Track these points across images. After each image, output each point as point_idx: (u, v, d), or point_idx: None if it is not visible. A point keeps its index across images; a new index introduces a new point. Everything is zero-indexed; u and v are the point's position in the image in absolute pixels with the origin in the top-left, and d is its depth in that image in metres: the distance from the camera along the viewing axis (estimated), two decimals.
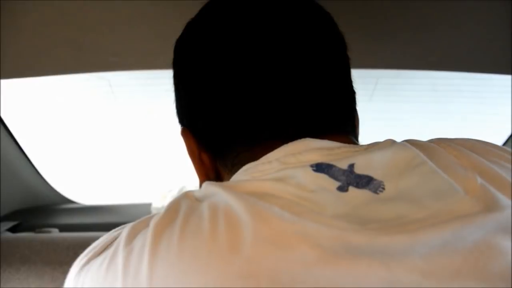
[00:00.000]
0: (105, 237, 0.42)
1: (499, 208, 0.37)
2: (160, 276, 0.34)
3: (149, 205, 1.34)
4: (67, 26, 0.81)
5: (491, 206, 0.37)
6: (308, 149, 0.43)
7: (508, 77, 1.00)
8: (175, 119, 0.56)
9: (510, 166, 0.42)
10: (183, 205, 0.39)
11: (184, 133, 0.53)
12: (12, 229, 1.23)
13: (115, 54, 0.87)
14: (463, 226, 0.35)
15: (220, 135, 0.49)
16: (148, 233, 0.37)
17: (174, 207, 0.39)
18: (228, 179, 0.48)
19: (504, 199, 0.38)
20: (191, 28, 0.53)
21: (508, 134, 1.30)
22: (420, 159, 0.41)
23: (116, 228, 0.43)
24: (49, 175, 1.42)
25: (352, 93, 0.53)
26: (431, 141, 0.46)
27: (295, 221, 0.35)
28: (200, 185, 0.53)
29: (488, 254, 0.34)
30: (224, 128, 0.49)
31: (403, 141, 0.45)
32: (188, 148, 0.53)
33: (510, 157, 0.44)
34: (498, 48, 0.88)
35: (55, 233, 1.18)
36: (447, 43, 0.88)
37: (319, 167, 0.41)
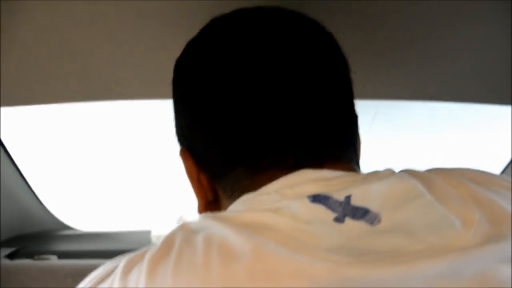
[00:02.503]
0: (103, 268, 0.42)
1: (497, 240, 0.37)
2: None
3: (149, 232, 1.33)
4: (70, 55, 0.81)
5: (489, 238, 0.37)
6: (306, 181, 0.43)
7: (504, 106, 1.01)
8: (174, 141, 0.56)
9: (510, 195, 0.42)
10: (178, 237, 0.39)
11: (182, 154, 0.53)
12: (11, 256, 1.22)
13: (120, 84, 0.88)
14: (460, 258, 0.35)
15: (220, 160, 0.49)
16: (143, 266, 0.37)
17: (169, 240, 0.39)
18: (227, 204, 0.48)
19: (502, 230, 0.38)
20: (191, 48, 0.53)
21: (506, 162, 1.30)
22: (417, 191, 0.41)
23: (114, 259, 0.43)
24: (48, 201, 1.41)
25: (354, 117, 0.52)
26: (430, 171, 0.46)
27: (290, 257, 0.35)
28: (199, 208, 0.53)
29: (487, 286, 0.34)
30: (225, 153, 0.48)
31: (402, 170, 0.45)
32: (186, 169, 0.53)
33: (510, 185, 0.44)
34: (497, 79, 0.89)
35: (53, 260, 1.17)
36: (446, 74, 0.89)
37: (316, 198, 0.41)
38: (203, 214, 0.43)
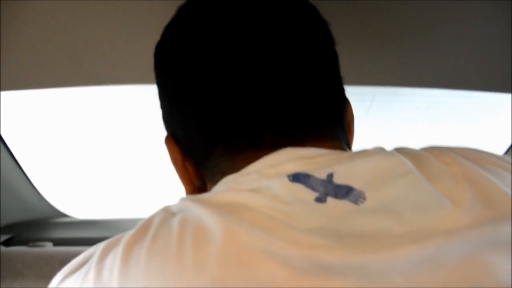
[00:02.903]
0: (83, 254, 0.42)
1: (489, 221, 0.35)
2: None
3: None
4: (66, 39, 0.81)
5: (481, 219, 0.35)
6: (288, 159, 0.42)
7: (501, 95, 1.01)
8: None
9: (506, 173, 0.41)
10: (156, 219, 0.39)
11: (167, 140, 0.52)
12: (5, 243, 1.21)
13: (115, 68, 0.87)
14: (448, 241, 0.34)
15: (199, 144, 0.48)
16: (118, 250, 0.37)
17: (146, 223, 0.39)
18: (210, 188, 0.47)
19: (495, 211, 0.36)
20: (169, 31, 0.52)
21: (504, 151, 1.30)
22: (405, 167, 0.39)
23: (94, 246, 0.42)
24: (44, 189, 1.41)
25: (341, 93, 0.50)
26: (423, 148, 0.44)
27: (263, 238, 0.34)
28: (186, 194, 0.53)
29: (477, 270, 0.32)
30: (202, 137, 0.48)
31: (392, 149, 0.44)
32: (171, 156, 0.52)
33: (506, 164, 0.42)
34: (497, 66, 0.88)
35: (48, 247, 1.16)
36: (444, 61, 0.88)
37: (296, 178, 0.39)
38: (183, 197, 0.42)
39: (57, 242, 1.21)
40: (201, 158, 0.49)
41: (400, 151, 0.43)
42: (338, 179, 0.39)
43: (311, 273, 0.32)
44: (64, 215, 1.48)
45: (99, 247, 0.39)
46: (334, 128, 0.48)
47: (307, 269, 0.32)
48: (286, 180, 0.39)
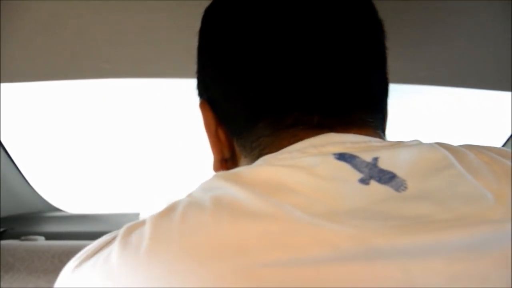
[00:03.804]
0: (98, 241, 0.40)
1: None
2: (158, 275, 0.33)
3: (137, 215, 1.33)
4: (60, 32, 0.80)
5: None
6: (332, 142, 0.42)
7: (495, 92, 1.01)
8: (194, 94, 0.54)
9: None
10: (181, 203, 0.37)
11: (202, 106, 0.51)
12: None
13: (107, 62, 0.86)
14: (491, 231, 0.33)
15: (242, 114, 0.47)
16: (145, 228, 0.36)
17: (172, 205, 0.38)
18: (244, 162, 0.47)
19: None
20: None
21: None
22: (448, 161, 0.39)
23: (109, 233, 0.41)
24: (36, 183, 1.40)
25: (386, 84, 0.50)
26: (462, 145, 0.44)
27: (308, 222, 0.33)
28: (214, 164, 0.52)
29: None
30: (248, 108, 0.47)
31: (434, 142, 0.44)
32: (205, 122, 0.51)
33: None
34: (496, 65, 0.88)
35: (40, 241, 1.16)
36: (442, 59, 0.88)
37: (342, 156, 0.39)
38: (214, 175, 0.41)
39: (49, 236, 1.20)
40: (241, 129, 0.48)
41: (442, 145, 0.43)
42: (382, 165, 0.39)
43: (354, 254, 0.32)
44: (57, 210, 1.47)
45: (120, 230, 0.38)
46: (377, 118, 0.48)
47: (350, 251, 0.32)
48: (331, 157, 0.39)
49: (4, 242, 1.14)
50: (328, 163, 0.39)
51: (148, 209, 1.34)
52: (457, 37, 0.82)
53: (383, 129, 0.50)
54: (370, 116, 0.47)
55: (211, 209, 0.35)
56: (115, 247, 0.36)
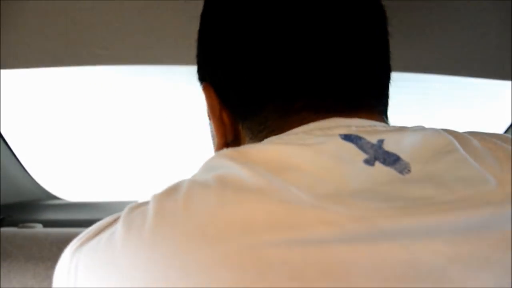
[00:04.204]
0: (100, 222, 0.40)
1: None
2: (163, 253, 0.33)
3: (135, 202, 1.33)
4: (57, 19, 0.80)
5: None
6: (338, 126, 0.42)
7: (497, 82, 1.00)
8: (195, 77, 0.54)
9: None
10: (184, 183, 0.37)
11: (206, 89, 0.51)
12: None
13: (103, 48, 0.86)
14: (493, 213, 0.34)
15: (250, 98, 0.47)
16: (149, 206, 0.36)
17: (175, 184, 0.38)
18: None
19: None
20: None
21: None
22: (452, 146, 0.40)
23: (111, 215, 0.41)
24: (34, 171, 1.40)
25: (389, 70, 0.51)
26: (466, 132, 0.45)
27: (312, 204, 0.33)
28: (217, 148, 0.51)
29: None
30: (255, 91, 0.46)
31: (437, 128, 0.44)
32: (209, 105, 0.51)
33: None
34: (496, 53, 0.87)
35: (38, 228, 1.16)
36: (439, 46, 0.88)
37: (348, 137, 0.40)
38: (217, 153, 0.41)
39: (48, 224, 1.20)
40: (249, 113, 0.48)
41: (447, 131, 0.43)
42: (387, 147, 0.39)
43: (359, 234, 0.32)
44: (55, 197, 1.47)
45: (123, 211, 0.38)
46: (381, 103, 0.49)
47: (355, 231, 0.32)
48: (338, 138, 0.40)
49: (2, 229, 1.14)
50: (334, 143, 0.39)
51: (146, 197, 1.34)
52: (457, 26, 0.82)
53: (386, 115, 0.50)
54: (375, 101, 0.47)
55: (215, 188, 0.35)
56: (118, 226, 0.36)
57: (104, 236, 0.37)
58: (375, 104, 0.47)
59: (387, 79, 0.50)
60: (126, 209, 0.38)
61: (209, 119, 0.52)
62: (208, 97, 0.51)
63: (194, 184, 0.36)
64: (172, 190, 0.37)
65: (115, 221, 0.39)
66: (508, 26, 0.79)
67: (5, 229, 1.13)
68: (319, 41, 0.45)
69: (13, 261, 1.00)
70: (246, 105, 0.48)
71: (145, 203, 0.37)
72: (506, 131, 1.28)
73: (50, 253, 1.00)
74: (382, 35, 0.49)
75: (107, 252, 0.36)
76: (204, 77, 0.52)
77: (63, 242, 1.02)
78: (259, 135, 0.46)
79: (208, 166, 0.40)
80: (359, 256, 0.32)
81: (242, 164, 0.37)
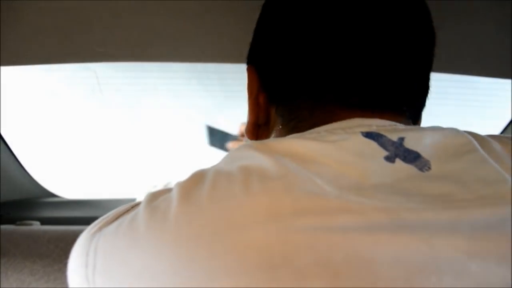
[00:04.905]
0: (117, 209, 0.41)
1: None
2: (188, 237, 0.33)
3: (133, 200, 1.32)
4: (55, 15, 0.79)
5: None
6: (359, 125, 0.43)
7: (495, 81, 1.00)
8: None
9: None
10: (210, 170, 0.38)
11: (249, 70, 0.54)
12: None
13: (102, 45, 0.86)
14: (510, 212, 0.34)
15: (288, 85, 0.49)
16: (173, 193, 0.36)
17: (199, 173, 0.38)
18: (278, 131, 0.49)
19: None
20: None
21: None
22: (471, 146, 0.41)
23: (126, 204, 0.42)
24: (32, 168, 1.40)
25: (426, 87, 0.52)
26: (485, 135, 0.46)
27: (337, 195, 0.34)
28: (248, 126, 0.54)
29: None
30: (292, 79, 0.49)
31: (457, 128, 0.45)
32: (248, 85, 0.54)
33: None
34: (496, 51, 0.87)
35: (36, 226, 1.16)
36: (439, 43, 0.87)
37: (369, 134, 0.41)
38: (242, 145, 0.42)
39: (45, 222, 1.20)
40: (284, 99, 0.50)
41: (467, 132, 0.44)
42: (407, 145, 0.40)
43: (382, 226, 0.33)
44: (53, 195, 1.47)
45: (144, 198, 0.39)
46: (412, 109, 0.50)
47: (378, 222, 0.33)
48: (359, 134, 0.41)
49: (0, 227, 1.14)
50: (356, 140, 0.40)
51: (144, 194, 1.33)
52: (456, 23, 0.81)
53: (415, 120, 0.51)
54: (403, 105, 0.48)
55: (240, 178, 0.36)
56: (140, 211, 0.37)
57: (124, 220, 0.38)
58: (403, 108, 0.48)
59: (422, 95, 0.51)
60: (148, 195, 0.39)
61: (248, 99, 0.54)
62: (249, 77, 0.54)
63: (219, 174, 0.37)
64: (197, 179, 0.37)
65: (132, 208, 0.39)
66: (508, 23, 0.79)
67: (3, 227, 1.13)
68: (357, 46, 0.46)
69: (11, 258, 1.00)
70: (283, 92, 0.50)
71: (168, 190, 0.38)
72: (505, 129, 1.28)
73: (48, 250, 1.00)
74: (426, 56, 0.50)
75: (129, 235, 0.36)
76: (251, 59, 0.55)
77: (61, 240, 1.02)
78: (289, 123, 0.49)
79: (232, 157, 0.41)
80: (381, 245, 0.32)
81: (267, 154, 0.38)
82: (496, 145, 0.42)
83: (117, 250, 0.36)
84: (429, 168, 0.38)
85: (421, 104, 0.52)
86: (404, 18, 0.47)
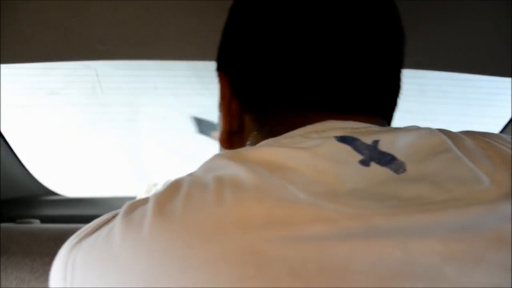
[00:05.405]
0: (98, 219, 0.41)
1: None
2: (161, 250, 0.33)
3: (134, 198, 1.32)
4: (55, 13, 0.79)
5: None
6: (333, 128, 0.43)
7: (495, 80, 1.00)
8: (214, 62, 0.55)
9: None
10: (184, 181, 0.38)
11: (220, 77, 0.53)
12: None
13: (102, 43, 0.86)
14: (486, 212, 0.34)
15: (259, 91, 0.49)
16: (149, 206, 0.36)
17: (174, 184, 0.38)
18: (252, 138, 0.49)
19: None
20: None
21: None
22: (446, 145, 0.41)
23: (109, 212, 0.41)
24: (32, 166, 1.40)
25: (397, 87, 0.51)
26: (460, 132, 0.46)
27: (311, 203, 0.34)
28: (221, 134, 0.53)
29: (510, 243, 0.33)
30: (264, 85, 0.48)
31: (432, 128, 0.45)
32: (220, 93, 0.53)
33: None
34: (496, 49, 0.87)
35: (36, 224, 1.16)
36: (436, 42, 0.87)
37: (343, 139, 0.41)
38: (216, 154, 0.42)
39: (45, 220, 1.20)
40: (256, 105, 0.49)
41: (440, 130, 0.44)
42: (382, 147, 0.40)
43: (356, 233, 0.33)
44: (53, 193, 1.47)
45: (122, 208, 0.38)
46: (384, 110, 0.50)
47: (352, 230, 0.33)
48: (333, 140, 0.41)
49: (0, 225, 1.14)
50: (329, 145, 0.40)
51: (144, 192, 1.34)
52: (455, 21, 0.81)
53: (388, 121, 0.51)
54: (376, 107, 0.48)
55: (214, 189, 0.35)
56: (117, 223, 0.37)
57: (102, 232, 0.37)
58: (376, 109, 0.48)
59: (394, 95, 0.51)
60: (125, 206, 0.38)
61: (219, 106, 0.53)
62: (221, 85, 0.53)
63: (194, 185, 0.37)
64: (173, 190, 0.37)
65: (113, 217, 0.39)
66: (508, 20, 0.78)
67: (3, 225, 1.13)
68: (329, 47, 0.46)
69: (11, 256, 1.00)
70: (255, 97, 0.49)
71: (144, 201, 0.38)
72: (505, 127, 1.28)
73: (48, 248, 1.00)
74: (395, 55, 0.50)
75: (105, 248, 0.36)
76: (221, 66, 0.54)
77: (61, 238, 1.02)
78: (264, 129, 0.48)
79: (207, 167, 0.41)
80: (355, 253, 0.32)
81: (240, 163, 0.37)
82: (469, 142, 0.42)
83: (93, 264, 0.36)
84: (405, 169, 0.38)
85: (394, 103, 0.51)
86: (372, 19, 0.47)
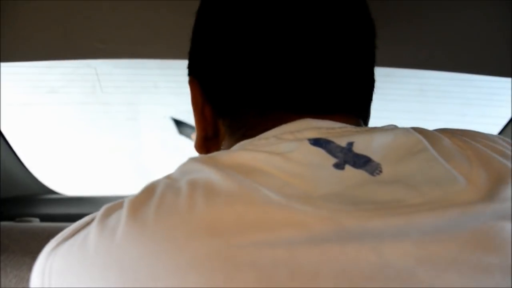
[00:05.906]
0: (77, 223, 0.41)
1: (500, 199, 0.36)
2: (133, 256, 0.33)
3: None
4: (55, 11, 0.79)
5: (492, 196, 0.36)
6: (308, 128, 0.42)
7: (495, 80, 1.00)
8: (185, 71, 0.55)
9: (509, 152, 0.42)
10: (160, 184, 0.38)
11: (191, 83, 0.52)
12: None
13: (102, 42, 0.86)
14: (461, 214, 0.34)
15: (230, 95, 0.48)
16: (123, 211, 0.36)
17: (150, 187, 0.38)
18: (227, 142, 0.48)
19: (506, 191, 0.37)
20: None
21: (496, 133, 1.30)
22: (422, 145, 0.40)
23: (89, 215, 0.41)
24: (32, 165, 1.40)
25: (371, 81, 0.51)
26: (437, 130, 0.46)
27: (281, 204, 0.34)
28: (197, 140, 0.53)
29: (485, 244, 0.33)
30: (235, 90, 0.47)
31: (408, 127, 0.45)
32: (192, 99, 0.52)
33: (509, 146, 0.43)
34: (496, 49, 0.87)
35: (35, 222, 1.16)
36: (437, 42, 0.87)
37: (317, 142, 0.40)
38: (190, 158, 0.41)
39: (45, 218, 1.20)
40: (228, 110, 0.49)
41: (417, 130, 0.44)
42: (357, 149, 0.40)
43: (328, 237, 0.33)
44: (52, 192, 1.47)
45: (99, 212, 0.38)
46: (360, 109, 0.49)
47: (324, 233, 0.33)
48: (307, 143, 0.40)
49: None
50: (303, 149, 0.39)
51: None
52: (455, 21, 0.81)
53: (365, 120, 0.51)
54: (351, 106, 0.48)
55: (186, 193, 0.35)
56: (92, 229, 0.37)
57: (79, 238, 0.37)
58: (351, 108, 0.48)
59: (368, 90, 0.51)
60: (101, 211, 0.38)
61: (193, 112, 0.53)
62: (192, 91, 0.52)
63: (168, 189, 0.37)
64: (147, 194, 0.37)
65: (90, 222, 0.39)
66: (508, 20, 0.78)
67: (2, 223, 1.13)
68: (298, 47, 0.45)
69: (10, 254, 1.00)
70: (227, 102, 0.49)
71: (120, 205, 0.38)
72: (505, 127, 1.28)
73: None
74: (366, 48, 0.50)
75: (81, 254, 0.36)
76: (192, 71, 0.53)
77: None
78: (238, 132, 0.47)
79: (182, 171, 0.40)
80: (327, 257, 0.32)
81: (214, 167, 0.37)
82: (447, 141, 0.42)
83: (69, 271, 0.36)
84: (380, 171, 0.38)
85: (368, 100, 0.51)
86: (340, 14, 0.46)
